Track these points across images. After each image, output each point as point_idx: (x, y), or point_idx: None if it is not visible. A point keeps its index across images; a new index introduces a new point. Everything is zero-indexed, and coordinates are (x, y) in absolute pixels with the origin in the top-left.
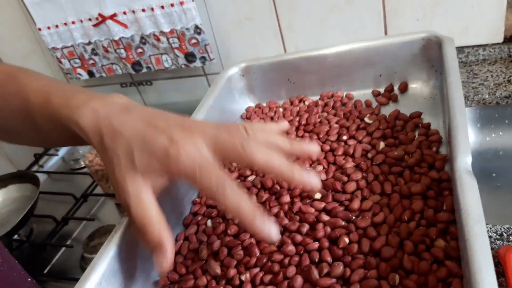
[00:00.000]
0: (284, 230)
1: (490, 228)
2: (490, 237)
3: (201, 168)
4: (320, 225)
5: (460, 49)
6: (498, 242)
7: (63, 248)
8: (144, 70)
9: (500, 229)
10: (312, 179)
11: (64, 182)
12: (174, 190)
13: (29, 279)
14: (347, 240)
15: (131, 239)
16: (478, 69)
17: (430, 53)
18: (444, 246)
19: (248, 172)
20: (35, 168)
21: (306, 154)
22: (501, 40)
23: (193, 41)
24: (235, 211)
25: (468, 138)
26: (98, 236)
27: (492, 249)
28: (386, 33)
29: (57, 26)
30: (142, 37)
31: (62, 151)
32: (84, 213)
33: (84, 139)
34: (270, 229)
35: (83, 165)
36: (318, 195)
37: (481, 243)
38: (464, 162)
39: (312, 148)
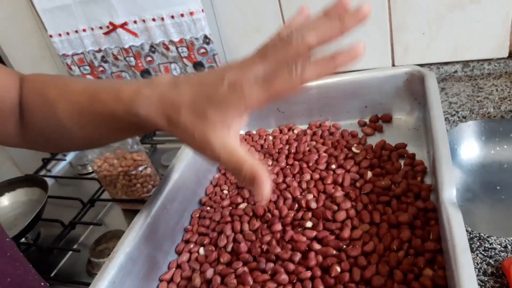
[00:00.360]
0: (276, 258)
1: (495, 240)
2: (494, 249)
3: (265, 82)
4: (312, 254)
5: (465, 63)
6: (502, 254)
7: (70, 252)
8: None
9: (505, 241)
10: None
11: (71, 187)
12: (166, 218)
13: (42, 284)
14: (338, 269)
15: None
16: (483, 83)
17: (413, 87)
18: (432, 275)
19: (239, 200)
20: (42, 172)
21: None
22: (506, 54)
23: (202, 50)
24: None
25: (452, 170)
26: (105, 241)
27: (496, 261)
28: (392, 46)
29: (68, 34)
30: (151, 46)
31: (70, 156)
32: (91, 218)
33: (146, 126)
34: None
35: (91, 170)
36: (309, 224)
37: (468, 273)
38: (449, 194)
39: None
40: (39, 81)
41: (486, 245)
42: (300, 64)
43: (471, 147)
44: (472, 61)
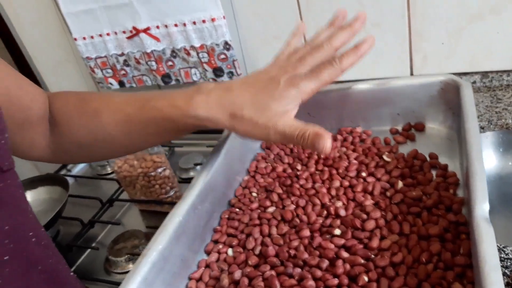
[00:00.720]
0: (304, 264)
1: (511, 251)
2: (510, 259)
3: (313, 76)
4: (340, 262)
5: (484, 74)
6: None
7: (89, 250)
8: (173, 82)
9: None
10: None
11: (90, 187)
12: (197, 217)
13: (71, 274)
14: (366, 278)
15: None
16: (502, 94)
17: (448, 96)
18: None
19: (268, 203)
20: (63, 172)
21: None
22: None
23: (222, 56)
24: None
25: (486, 185)
26: (123, 240)
27: None
28: (411, 55)
29: (92, 37)
30: (173, 51)
31: None
32: (110, 217)
33: (204, 124)
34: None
35: (110, 171)
36: (337, 231)
37: None
38: (481, 209)
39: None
40: (72, 95)
41: (502, 255)
42: (336, 58)
43: (489, 158)
44: (491, 72)
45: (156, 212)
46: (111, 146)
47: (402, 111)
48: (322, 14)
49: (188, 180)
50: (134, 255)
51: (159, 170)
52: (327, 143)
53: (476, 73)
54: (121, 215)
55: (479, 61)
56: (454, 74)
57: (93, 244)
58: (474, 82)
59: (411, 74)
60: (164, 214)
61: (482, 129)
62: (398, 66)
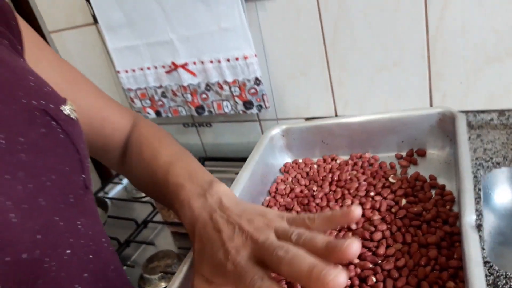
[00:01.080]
0: None
1: None
2: None
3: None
4: (352, 267)
5: (501, 112)
6: None
7: (124, 268)
8: (206, 113)
9: None
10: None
11: (125, 209)
12: None
13: (111, 248)
14: (374, 279)
15: None
16: None
17: (445, 126)
18: (453, 287)
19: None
20: (100, 194)
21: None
22: None
23: (252, 90)
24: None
25: (473, 201)
26: (157, 259)
27: None
28: (430, 93)
29: (134, 70)
30: (207, 85)
31: (126, 180)
32: (144, 237)
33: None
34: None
35: (144, 195)
36: None
37: (479, 283)
38: (470, 219)
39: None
40: (143, 135)
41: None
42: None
43: (504, 192)
44: (508, 110)
45: (187, 234)
46: (143, 188)
47: (406, 138)
48: (346, 53)
49: None
50: (167, 274)
51: None
52: None
53: (494, 111)
54: (154, 236)
55: (496, 99)
56: (472, 111)
57: (128, 262)
58: (492, 120)
59: None
60: None
61: (498, 164)
62: (418, 103)
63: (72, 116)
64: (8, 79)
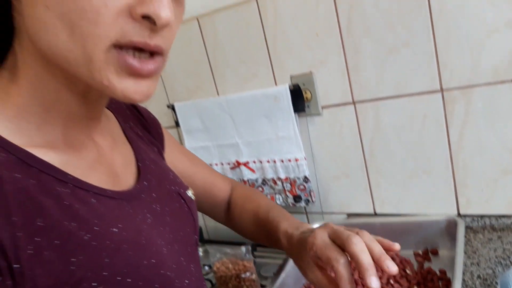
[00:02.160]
0: None
1: None
2: None
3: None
4: None
5: None
6: None
7: None
8: None
9: None
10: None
11: None
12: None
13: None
14: None
15: None
16: None
17: (451, 230)
18: None
19: None
20: None
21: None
22: None
23: (301, 187)
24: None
25: (460, 283)
26: None
27: None
28: (457, 199)
29: None
30: (263, 180)
31: None
32: None
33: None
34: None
35: (208, 271)
36: None
37: None
38: None
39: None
40: (244, 193)
41: None
42: None
43: None
44: None
45: None
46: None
47: (421, 239)
48: (382, 161)
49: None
50: None
51: (248, 273)
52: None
53: None
54: None
55: None
56: (495, 216)
57: None
58: None
59: (458, 214)
60: None
61: None
62: (447, 207)
63: (192, 197)
64: (160, 174)
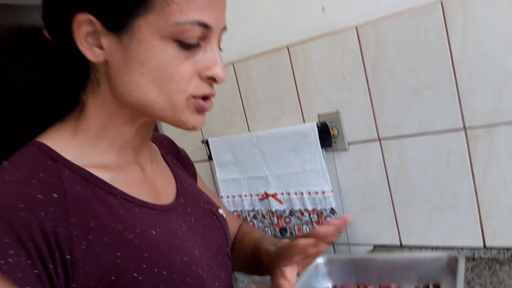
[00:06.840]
0: None
1: None
2: None
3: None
4: None
5: None
6: None
7: None
8: (288, 234)
9: None
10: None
11: None
12: None
13: None
14: None
15: None
16: None
17: (452, 265)
18: None
19: None
20: None
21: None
22: None
23: (328, 219)
24: None
25: None
26: None
27: None
28: (482, 232)
29: (234, 196)
30: (291, 211)
31: None
32: None
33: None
34: None
35: None
36: None
37: None
38: None
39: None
40: (246, 231)
41: None
42: None
43: None
44: None
45: None
46: (241, 267)
47: (423, 274)
48: (407, 195)
49: None
50: None
51: None
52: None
53: None
54: None
55: None
56: None
57: None
58: None
59: (484, 246)
60: None
61: None
62: (473, 240)
63: (224, 215)
64: (196, 194)
